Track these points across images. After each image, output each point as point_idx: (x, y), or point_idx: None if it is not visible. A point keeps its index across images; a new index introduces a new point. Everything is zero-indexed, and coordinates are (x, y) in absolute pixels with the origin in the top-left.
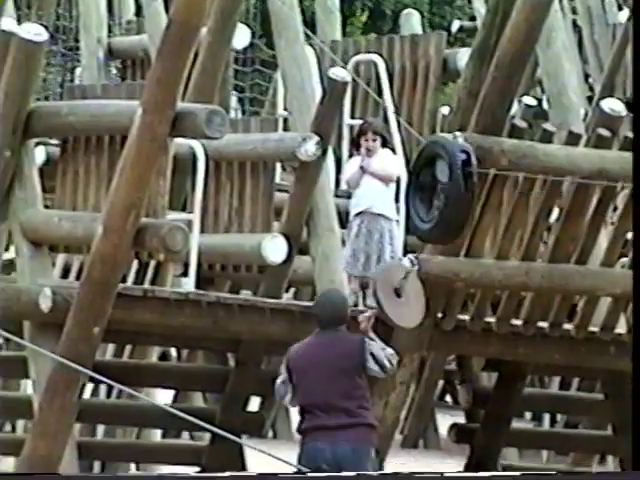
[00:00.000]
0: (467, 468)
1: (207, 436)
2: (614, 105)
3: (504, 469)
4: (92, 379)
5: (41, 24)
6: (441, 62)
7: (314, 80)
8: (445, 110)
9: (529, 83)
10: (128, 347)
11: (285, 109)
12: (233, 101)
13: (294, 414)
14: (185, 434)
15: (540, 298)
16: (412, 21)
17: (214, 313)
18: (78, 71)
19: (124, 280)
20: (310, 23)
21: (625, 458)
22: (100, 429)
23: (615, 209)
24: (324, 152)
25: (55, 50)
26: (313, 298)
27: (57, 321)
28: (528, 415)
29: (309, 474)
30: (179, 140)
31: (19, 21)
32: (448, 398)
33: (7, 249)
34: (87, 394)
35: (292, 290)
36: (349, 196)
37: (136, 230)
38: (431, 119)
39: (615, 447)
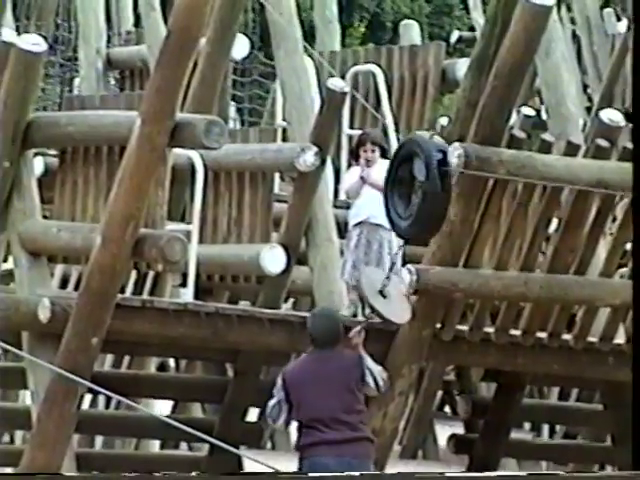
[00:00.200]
0: None
1: (206, 447)
2: (613, 115)
3: None
4: (91, 390)
5: (40, 35)
6: (440, 72)
7: (313, 90)
8: (444, 120)
9: (528, 93)
10: (127, 358)
11: (284, 119)
12: (232, 111)
13: (292, 425)
14: (184, 445)
15: (539, 308)
16: (411, 31)
17: (213, 323)
18: (77, 81)
19: (123, 291)
20: (309, 33)
21: (624, 469)
22: (99, 440)
23: (614, 219)
24: (323, 162)
25: (54, 61)
26: (312, 308)
27: (56, 331)
28: (527, 425)
29: (310, 474)
30: (178, 150)
31: (18, 32)
32: (447, 409)
33: (6, 260)
34: (86, 405)
35: (291, 300)
36: (348, 206)
37: (135, 240)
38: (430, 129)
39: (614, 458)
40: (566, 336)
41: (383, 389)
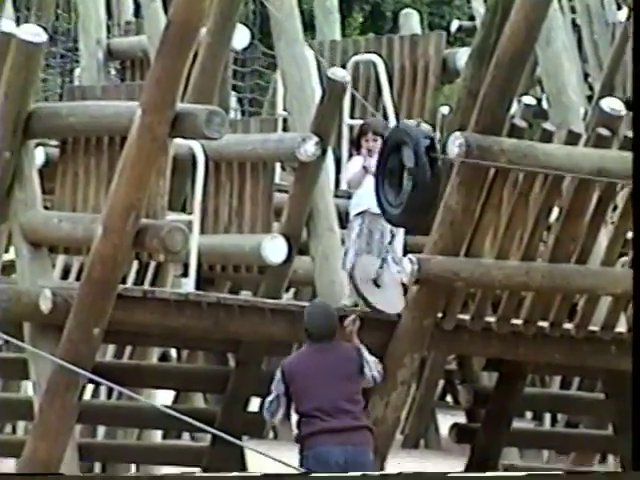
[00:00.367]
0: (468, 468)
1: (208, 437)
2: (614, 104)
3: (505, 469)
4: (92, 380)
5: (40, 25)
6: (440, 62)
7: (314, 80)
8: (445, 110)
9: (529, 82)
10: (128, 348)
11: (284, 109)
12: (233, 101)
13: (293, 418)
14: (186, 435)
15: (540, 298)
16: (411, 21)
17: (214, 314)
18: (77, 72)
19: (124, 281)
20: (309, 23)
21: (625, 457)
22: (101, 430)
23: (615, 208)
24: (324, 152)
25: (54, 51)
26: (313, 298)
27: (57, 322)
28: (529, 415)
29: (312, 474)
30: (178, 141)
31: (18, 22)
32: (449, 398)
33: (7, 250)
34: (87, 395)
35: (292, 290)
36: (349, 196)
37: (136, 231)
38: (431, 119)
39: (616, 446)
40: (568, 325)
41: (378, 380)
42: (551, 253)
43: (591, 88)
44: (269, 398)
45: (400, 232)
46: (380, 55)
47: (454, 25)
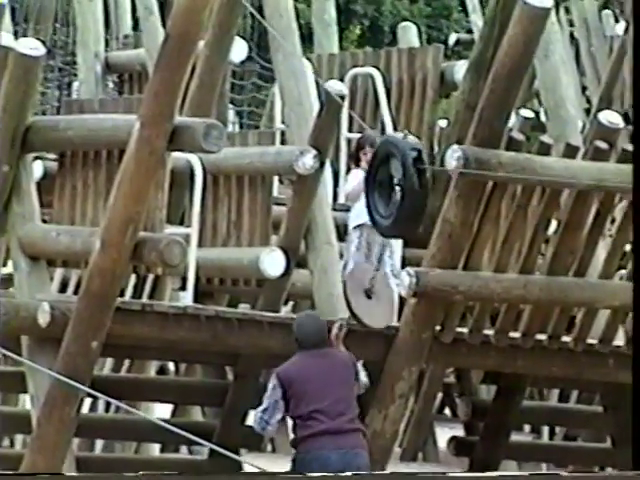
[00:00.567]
0: None
1: (206, 450)
2: (612, 117)
3: None
4: (90, 394)
5: (38, 39)
6: (438, 75)
7: (311, 93)
8: (443, 123)
9: (526, 95)
10: (126, 361)
11: (283, 122)
12: (231, 115)
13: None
14: (184, 448)
15: (539, 310)
16: (409, 34)
17: (213, 327)
18: (75, 85)
19: (122, 294)
20: (307, 37)
21: (624, 471)
22: (99, 444)
23: (613, 221)
24: (322, 165)
25: (52, 65)
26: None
27: (55, 336)
28: (527, 428)
29: (309, 474)
30: (177, 154)
31: (16, 36)
32: (447, 411)
33: (5, 264)
34: (85, 409)
35: (290, 303)
36: (347, 209)
37: (134, 244)
38: (429, 132)
39: (614, 459)
40: (566, 338)
41: (367, 386)
42: (549, 266)
43: (589, 101)
44: (260, 408)
45: (398, 245)
46: (378, 68)
47: (452, 38)
